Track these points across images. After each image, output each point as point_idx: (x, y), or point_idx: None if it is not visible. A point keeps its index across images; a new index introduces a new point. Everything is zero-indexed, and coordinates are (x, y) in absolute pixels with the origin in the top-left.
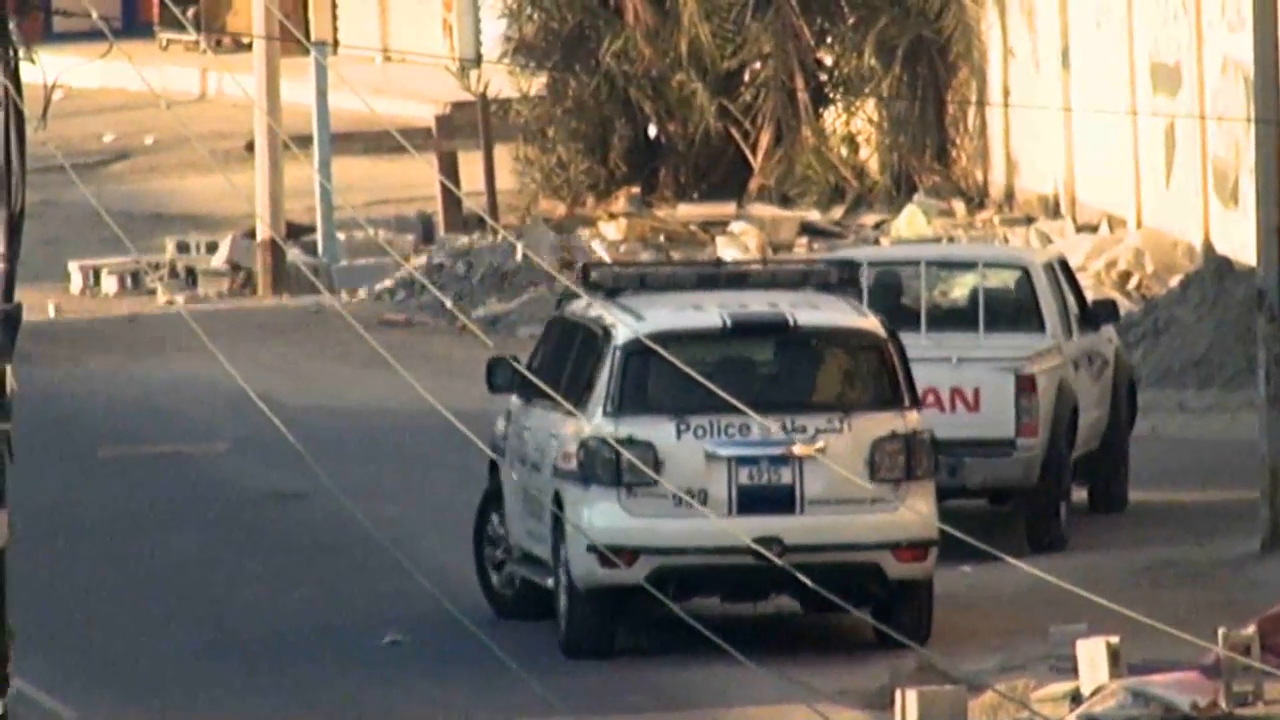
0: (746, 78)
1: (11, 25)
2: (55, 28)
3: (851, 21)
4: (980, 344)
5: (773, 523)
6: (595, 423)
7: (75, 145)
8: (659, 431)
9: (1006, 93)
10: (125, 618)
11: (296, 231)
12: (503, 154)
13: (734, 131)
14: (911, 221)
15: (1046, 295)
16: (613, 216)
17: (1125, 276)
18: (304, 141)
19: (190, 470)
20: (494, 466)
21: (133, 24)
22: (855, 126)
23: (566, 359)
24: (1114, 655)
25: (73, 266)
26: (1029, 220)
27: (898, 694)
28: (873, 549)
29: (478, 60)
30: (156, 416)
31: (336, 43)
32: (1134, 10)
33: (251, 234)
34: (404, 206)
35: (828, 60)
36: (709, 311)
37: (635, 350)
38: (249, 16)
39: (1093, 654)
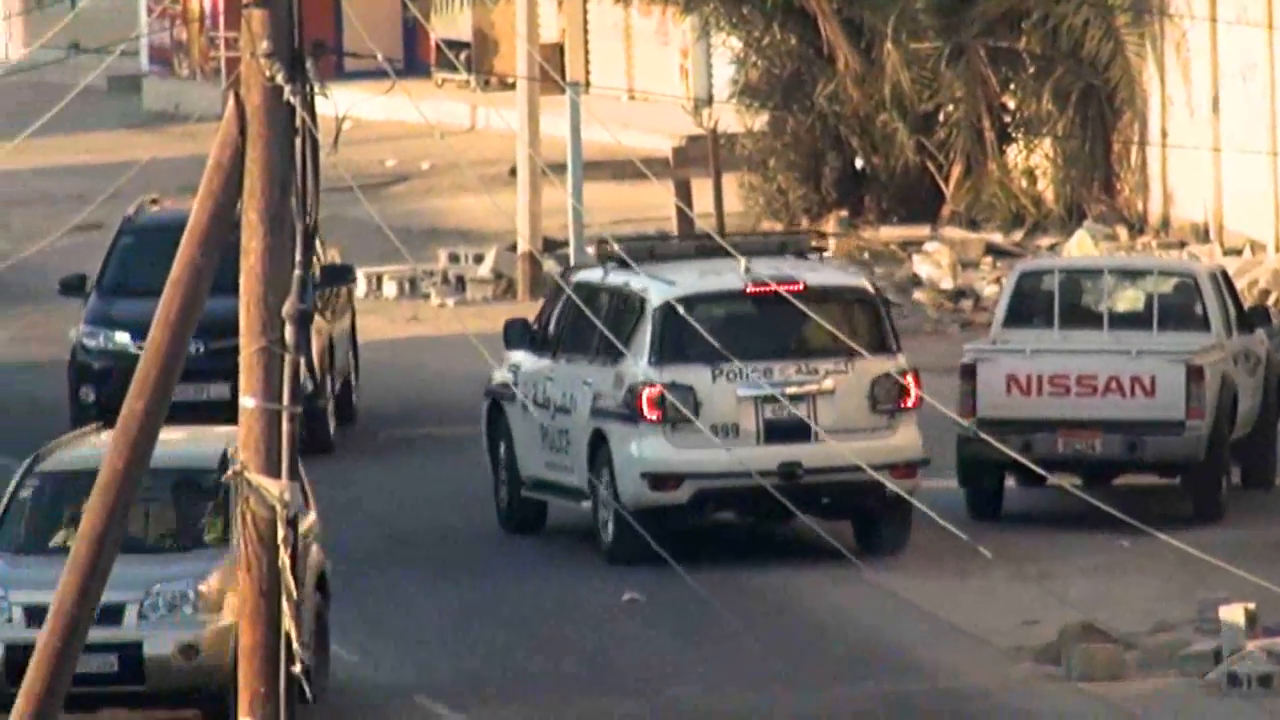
0: (941, 118)
1: (309, 65)
2: (345, 67)
3: (1032, 71)
4: (1155, 340)
5: (793, 450)
6: (643, 370)
7: (361, 169)
8: (697, 377)
9: (1164, 134)
10: (391, 578)
11: (552, 245)
12: (730, 181)
13: (929, 164)
14: (1081, 244)
15: (1211, 299)
16: (824, 236)
17: (1265, 294)
18: (559, 168)
19: (455, 452)
20: (495, 409)
21: (412, 64)
22: (1034, 161)
23: (592, 319)
24: (1252, 619)
25: (359, 273)
26: (1182, 244)
27: (1064, 650)
28: (875, 470)
29: (709, 100)
30: (429, 404)
31: (588, 83)
32: (1276, 64)
33: (513, 247)
34: (644, 225)
35: (1011, 104)
36: (729, 275)
37: (672, 309)
38: (514, 59)
39: (1234, 618)
